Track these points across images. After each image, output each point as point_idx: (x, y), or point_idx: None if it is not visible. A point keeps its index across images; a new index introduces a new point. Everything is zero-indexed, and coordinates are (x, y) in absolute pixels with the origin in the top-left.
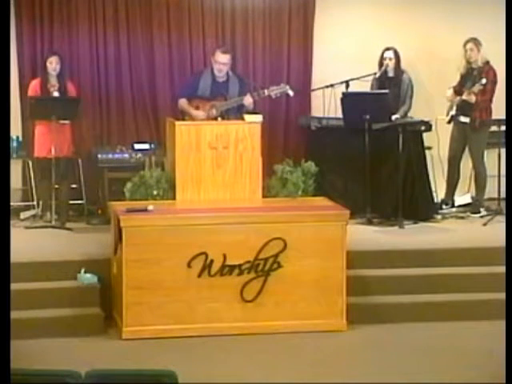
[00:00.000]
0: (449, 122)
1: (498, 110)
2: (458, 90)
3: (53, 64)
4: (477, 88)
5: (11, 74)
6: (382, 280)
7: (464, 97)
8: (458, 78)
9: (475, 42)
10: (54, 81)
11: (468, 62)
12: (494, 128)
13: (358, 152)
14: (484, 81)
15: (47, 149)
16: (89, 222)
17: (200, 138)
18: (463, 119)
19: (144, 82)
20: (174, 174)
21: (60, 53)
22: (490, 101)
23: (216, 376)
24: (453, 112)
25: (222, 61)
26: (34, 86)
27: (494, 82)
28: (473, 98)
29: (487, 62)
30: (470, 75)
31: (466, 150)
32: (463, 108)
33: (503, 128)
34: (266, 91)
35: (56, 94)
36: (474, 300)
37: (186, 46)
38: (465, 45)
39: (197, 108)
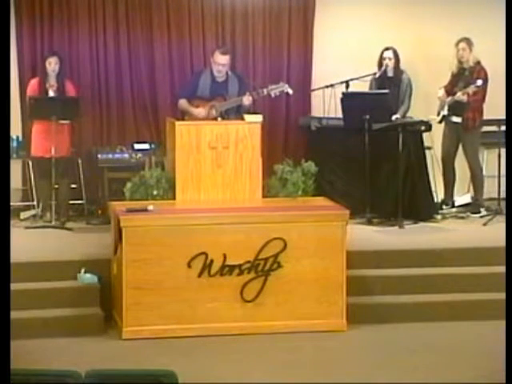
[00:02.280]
0: (440, 122)
1: (498, 110)
2: (449, 90)
3: (52, 65)
4: (471, 89)
5: (11, 74)
6: (382, 280)
7: (456, 97)
8: (449, 78)
9: (467, 41)
10: (52, 81)
11: (460, 62)
12: (493, 128)
13: (358, 152)
14: (479, 82)
15: (44, 148)
16: (89, 222)
17: (200, 138)
18: (455, 119)
19: (144, 81)
20: (173, 174)
21: (59, 53)
22: (482, 101)
23: (216, 376)
24: (444, 112)
25: (221, 62)
26: (32, 85)
27: (486, 82)
28: (465, 98)
29: (478, 62)
30: (461, 75)
31: (460, 149)
32: (455, 108)
33: (503, 128)
34: (265, 90)
35: (54, 93)
36: (474, 300)
37: (186, 46)
38: (457, 44)
39: (197, 107)
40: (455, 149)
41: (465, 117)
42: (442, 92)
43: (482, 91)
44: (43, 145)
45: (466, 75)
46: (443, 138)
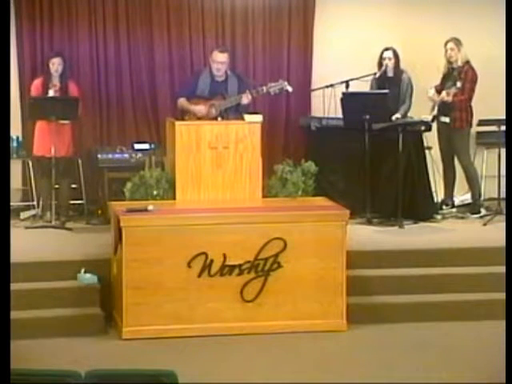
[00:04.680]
0: (432, 122)
1: (498, 110)
2: (439, 90)
3: (55, 65)
4: (452, 91)
5: (11, 74)
6: (382, 280)
7: (440, 98)
8: (440, 78)
9: (456, 41)
10: (56, 81)
11: (449, 62)
12: (493, 128)
13: (358, 152)
14: (459, 84)
15: (46, 148)
16: (89, 221)
17: (200, 138)
18: (443, 119)
19: (144, 82)
20: (174, 174)
21: (63, 54)
22: (470, 100)
23: (216, 376)
24: (434, 112)
25: (219, 60)
26: (35, 86)
27: (473, 81)
28: (449, 99)
29: (467, 62)
30: (450, 75)
31: None
32: (443, 108)
33: (503, 128)
34: (264, 88)
35: (57, 93)
36: (474, 300)
37: (185, 46)
38: (445, 44)
39: (197, 105)
40: (451, 149)
41: (452, 117)
42: (432, 92)
43: (469, 91)
44: (45, 144)
45: (455, 75)
46: (438, 139)
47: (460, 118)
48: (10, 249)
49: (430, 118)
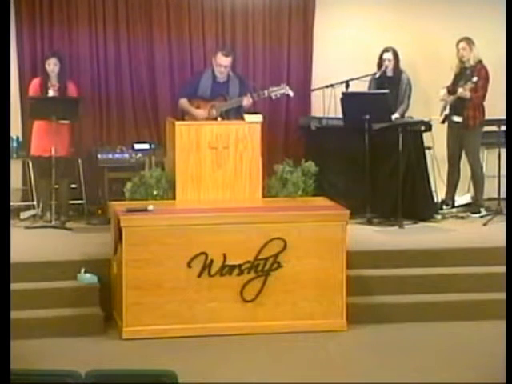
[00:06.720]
0: (443, 122)
1: (498, 110)
2: (451, 90)
3: (51, 66)
4: (468, 86)
5: (11, 74)
6: (382, 280)
7: (459, 93)
8: (452, 78)
9: (467, 41)
10: (54, 81)
11: (461, 61)
12: (494, 128)
13: (358, 152)
14: (475, 79)
15: (44, 148)
16: (89, 221)
17: (200, 138)
18: (456, 118)
19: (144, 81)
20: (173, 174)
21: (59, 54)
22: (483, 98)
23: (216, 376)
24: (446, 112)
25: (223, 64)
26: (34, 85)
27: (486, 80)
28: (467, 94)
29: (480, 61)
30: (462, 74)
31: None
32: (456, 107)
33: (503, 128)
34: (265, 92)
35: (55, 93)
36: (474, 300)
37: (186, 46)
38: (457, 44)
39: (197, 107)
40: (459, 148)
41: (465, 115)
42: (443, 92)
43: (482, 89)
44: (42, 144)
45: (467, 74)
46: (447, 138)
47: (473, 116)
48: (10, 249)
49: (441, 118)
